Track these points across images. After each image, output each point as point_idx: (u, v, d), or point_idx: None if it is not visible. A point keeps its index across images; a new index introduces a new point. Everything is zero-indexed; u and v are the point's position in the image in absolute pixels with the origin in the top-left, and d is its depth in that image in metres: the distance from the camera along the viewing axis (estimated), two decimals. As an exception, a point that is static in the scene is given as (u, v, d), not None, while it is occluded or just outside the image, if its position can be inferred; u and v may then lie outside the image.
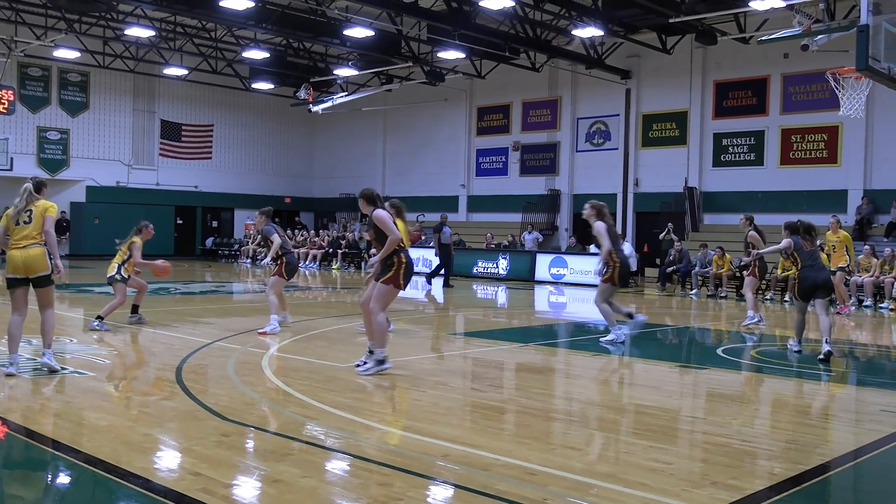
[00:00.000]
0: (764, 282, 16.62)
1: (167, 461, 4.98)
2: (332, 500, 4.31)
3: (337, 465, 4.94)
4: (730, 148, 24.19)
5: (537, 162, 28.59)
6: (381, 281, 7.63)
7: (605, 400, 7.33)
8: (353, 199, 27.63)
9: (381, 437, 5.63)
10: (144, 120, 31.58)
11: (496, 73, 28.24)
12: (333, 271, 25.79)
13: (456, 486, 4.50)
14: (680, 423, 6.37)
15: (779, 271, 17.24)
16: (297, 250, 23.59)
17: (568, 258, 22.57)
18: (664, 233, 22.02)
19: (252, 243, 28.78)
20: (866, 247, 17.27)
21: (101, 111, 30.45)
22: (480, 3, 19.73)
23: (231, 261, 30.38)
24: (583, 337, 11.79)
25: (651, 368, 8.93)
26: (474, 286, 21.32)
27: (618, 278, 10.11)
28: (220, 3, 20.24)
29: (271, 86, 31.37)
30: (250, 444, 5.40)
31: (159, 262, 11.28)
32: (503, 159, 29.63)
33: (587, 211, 10.26)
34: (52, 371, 7.24)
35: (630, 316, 10.61)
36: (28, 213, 7.18)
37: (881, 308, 16.09)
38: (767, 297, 17.84)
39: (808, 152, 22.72)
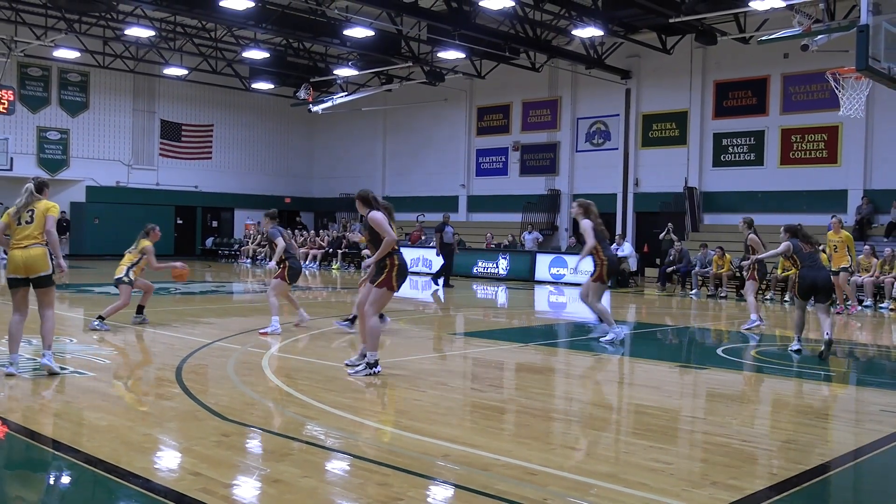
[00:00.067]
0: (764, 282, 16.63)
1: (167, 461, 4.99)
2: (332, 500, 4.31)
3: (337, 465, 4.94)
4: (730, 148, 24.18)
5: (537, 162, 28.57)
6: (376, 285, 7.66)
7: (605, 400, 7.34)
8: (353, 200, 27.39)
9: (380, 437, 5.63)
10: (144, 120, 31.57)
11: (496, 73, 28.21)
12: (333, 271, 25.79)
13: (456, 486, 4.51)
14: (680, 423, 6.37)
15: (779, 271, 17.24)
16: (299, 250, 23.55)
17: (568, 258, 22.53)
18: (664, 233, 22.01)
19: (252, 243, 28.87)
20: (866, 247, 17.26)
21: (101, 111, 30.43)
22: (480, 3, 19.71)
23: (231, 261, 30.35)
24: (583, 337, 11.78)
25: (651, 368, 8.93)
26: (474, 286, 21.32)
27: (606, 275, 10.28)
28: (220, 3, 20.23)
29: (271, 86, 31.35)
30: (250, 444, 5.40)
31: (178, 263, 11.28)
32: (503, 159, 29.60)
33: (574, 209, 10.50)
34: (52, 373, 7.23)
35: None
36: (30, 212, 7.19)
37: (881, 308, 16.10)
38: (767, 297, 17.84)
39: (808, 152, 22.70)
